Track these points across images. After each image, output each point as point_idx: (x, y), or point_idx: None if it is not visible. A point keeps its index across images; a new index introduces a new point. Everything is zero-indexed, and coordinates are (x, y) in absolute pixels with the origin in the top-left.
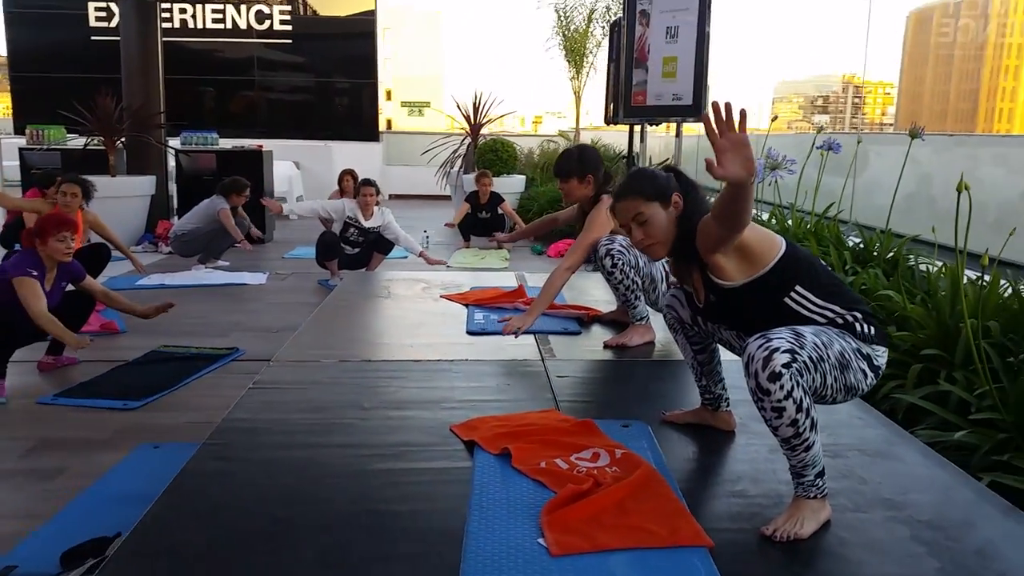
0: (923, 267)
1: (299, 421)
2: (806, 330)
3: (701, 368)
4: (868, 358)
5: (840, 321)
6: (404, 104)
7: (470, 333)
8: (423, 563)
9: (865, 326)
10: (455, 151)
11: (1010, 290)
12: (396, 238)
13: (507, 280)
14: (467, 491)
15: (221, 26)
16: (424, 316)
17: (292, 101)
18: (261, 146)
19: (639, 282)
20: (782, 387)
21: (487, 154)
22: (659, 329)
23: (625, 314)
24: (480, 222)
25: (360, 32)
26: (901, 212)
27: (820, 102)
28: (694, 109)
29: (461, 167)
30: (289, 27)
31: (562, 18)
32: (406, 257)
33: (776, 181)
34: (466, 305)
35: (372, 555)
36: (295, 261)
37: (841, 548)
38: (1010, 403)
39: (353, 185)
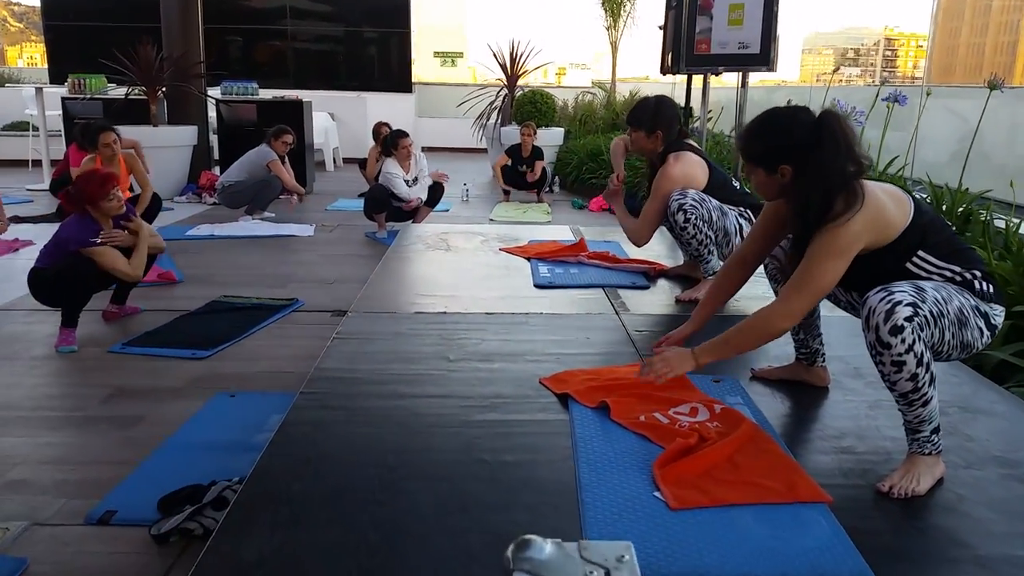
0: (998, 223)
1: (390, 372)
2: (927, 285)
3: (802, 322)
4: (985, 316)
5: (959, 279)
6: (437, 54)
7: (538, 286)
8: (542, 513)
9: (984, 284)
10: (492, 103)
11: None
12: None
13: (562, 233)
14: (569, 444)
15: None
16: (488, 269)
17: (324, 51)
18: (299, 97)
19: (712, 236)
20: (903, 340)
21: (526, 106)
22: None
23: (692, 268)
24: (521, 175)
25: None
26: (958, 168)
27: (851, 54)
28: (762, 58)
29: (498, 119)
30: None
31: None
32: (448, 210)
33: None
34: (527, 258)
35: (491, 503)
36: (339, 213)
37: (961, 505)
38: None
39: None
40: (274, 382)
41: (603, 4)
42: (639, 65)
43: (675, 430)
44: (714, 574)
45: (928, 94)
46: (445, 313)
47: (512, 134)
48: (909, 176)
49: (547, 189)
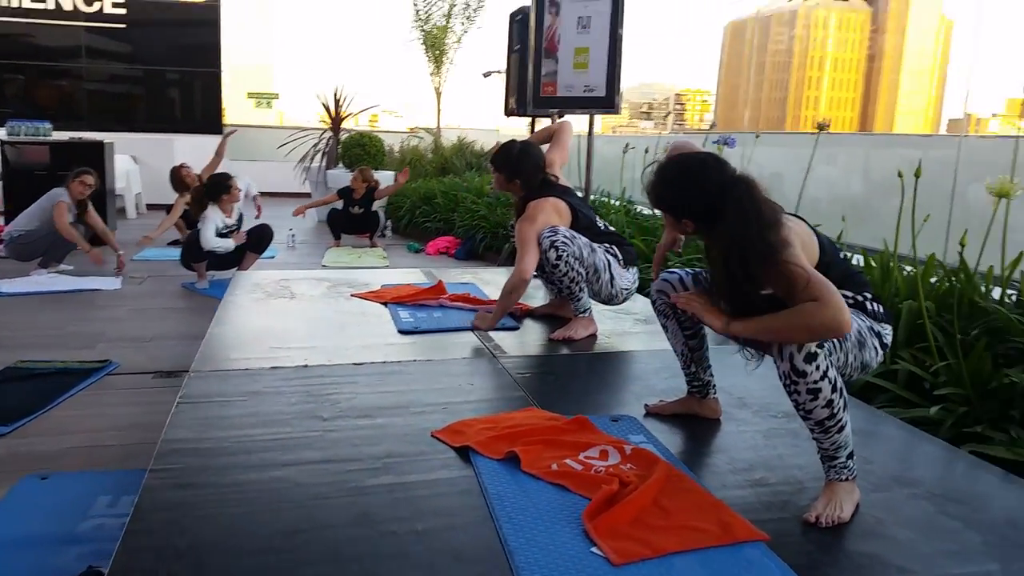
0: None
1: (255, 438)
2: None
3: (691, 354)
4: (879, 335)
5: (851, 302)
6: (251, 95)
7: (402, 332)
8: None
9: (875, 304)
10: (315, 145)
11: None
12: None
13: (413, 277)
14: (482, 502)
15: (43, 5)
16: (343, 316)
17: (123, 91)
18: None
19: (583, 273)
20: (818, 368)
21: (353, 148)
22: (599, 320)
23: (558, 307)
24: (353, 218)
25: (203, 18)
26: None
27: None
28: (607, 100)
29: (323, 162)
30: (123, 10)
31: (421, 13)
32: (274, 257)
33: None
34: (384, 303)
35: None
36: (147, 264)
37: (883, 529)
38: (964, 378)
39: (193, 176)
40: (93, 459)
41: (426, 51)
42: (463, 112)
43: (592, 476)
44: None
45: (757, 136)
46: (307, 367)
47: (340, 177)
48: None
49: (380, 233)
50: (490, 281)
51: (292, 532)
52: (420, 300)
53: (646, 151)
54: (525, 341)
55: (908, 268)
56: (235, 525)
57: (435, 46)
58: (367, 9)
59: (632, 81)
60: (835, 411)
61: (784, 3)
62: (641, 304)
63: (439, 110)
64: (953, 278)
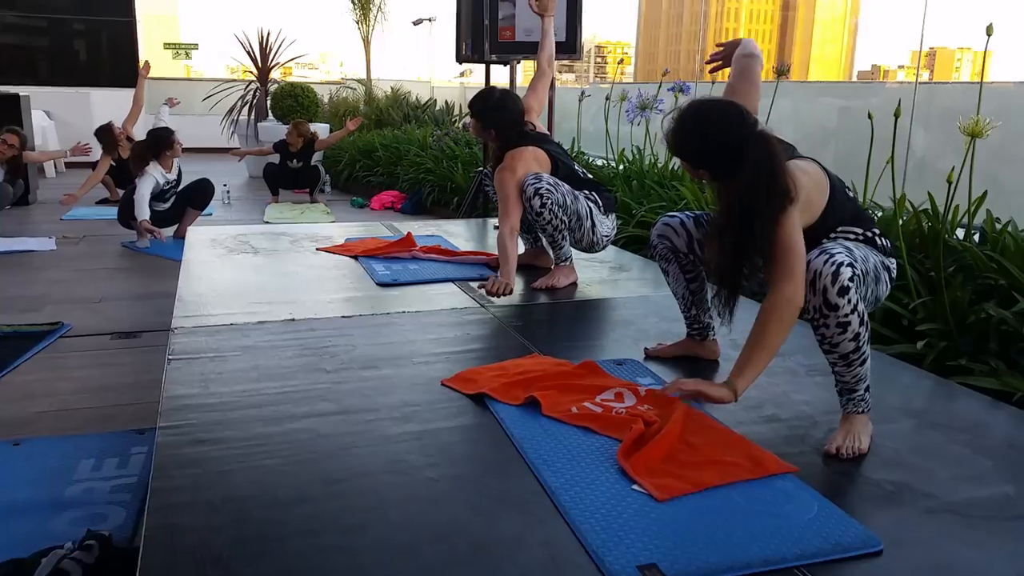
0: None
1: (263, 392)
2: (850, 245)
3: (692, 297)
4: (888, 269)
5: (862, 238)
6: (168, 46)
7: (381, 285)
8: (527, 525)
9: (883, 240)
10: (242, 97)
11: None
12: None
13: (375, 230)
14: (511, 447)
15: None
16: (316, 271)
17: (29, 43)
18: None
19: (567, 221)
20: (849, 301)
21: (285, 100)
22: (579, 268)
23: (535, 256)
24: (291, 173)
25: None
26: None
27: (566, 60)
28: (568, 46)
29: (251, 115)
30: None
31: None
32: (211, 214)
33: (645, 122)
34: (353, 257)
35: (468, 524)
36: (80, 223)
37: (902, 457)
38: (944, 313)
39: (124, 138)
40: (65, 423)
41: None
42: (392, 62)
43: (615, 417)
44: (741, 564)
45: (713, 84)
46: (294, 320)
47: (271, 130)
48: None
49: (320, 189)
50: (454, 232)
51: (330, 481)
52: (391, 253)
53: (582, 96)
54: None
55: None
56: (267, 478)
57: None
58: None
59: None
60: (860, 344)
61: None
62: (613, 253)
63: (368, 60)
64: (924, 218)
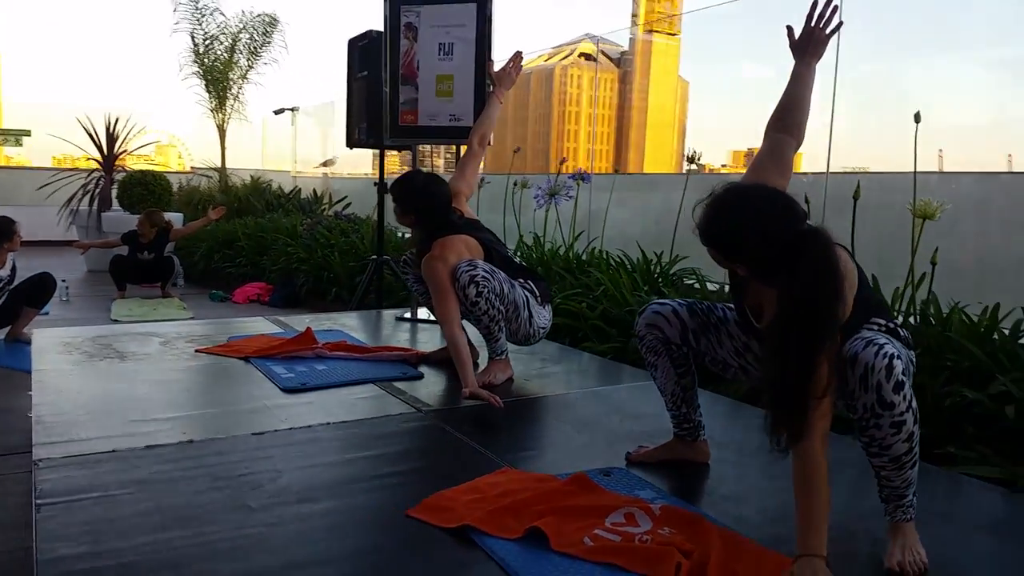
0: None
1: (177, 542)
2: (880, 336)
3: (684, 394)
4: (912, 363)
5: (885, 328)
6: None
7: (287, 391)
8: None
9: (903, 331)
10: (84, 186)
11: None
12: None
13: (258, 326)
14: None
15: None
16: (200, 377)
17: None
18: None
19: (503, 311)
20: (904, 397)
21: (135, 188)
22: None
23: None
24: (142, 265)
25: None
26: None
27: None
28: None
29: (93, 205)
30: None
31: (199, 46)
32: (47, 313)
33: (556, 208)
34: (243, 359)
35: None
36: None
37: (970, 569)
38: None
39: None
40: None
41: (206, 85)
42: (250, 152)
43: (643, 548)
44: None
45: (617, 172)
46: (192, 442)
47: (119, 220)
48: (599, 247)
49: (172, 282)
50: (352, 326)
51: None
52: (290, 352)
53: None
54: (439, 391)
55: None
56: None
57: (217, 81)
58: (112, 21)
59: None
60: (913, 445)
61: (542, 63)
62: (542, 344)
63: (223, 148)
64: None
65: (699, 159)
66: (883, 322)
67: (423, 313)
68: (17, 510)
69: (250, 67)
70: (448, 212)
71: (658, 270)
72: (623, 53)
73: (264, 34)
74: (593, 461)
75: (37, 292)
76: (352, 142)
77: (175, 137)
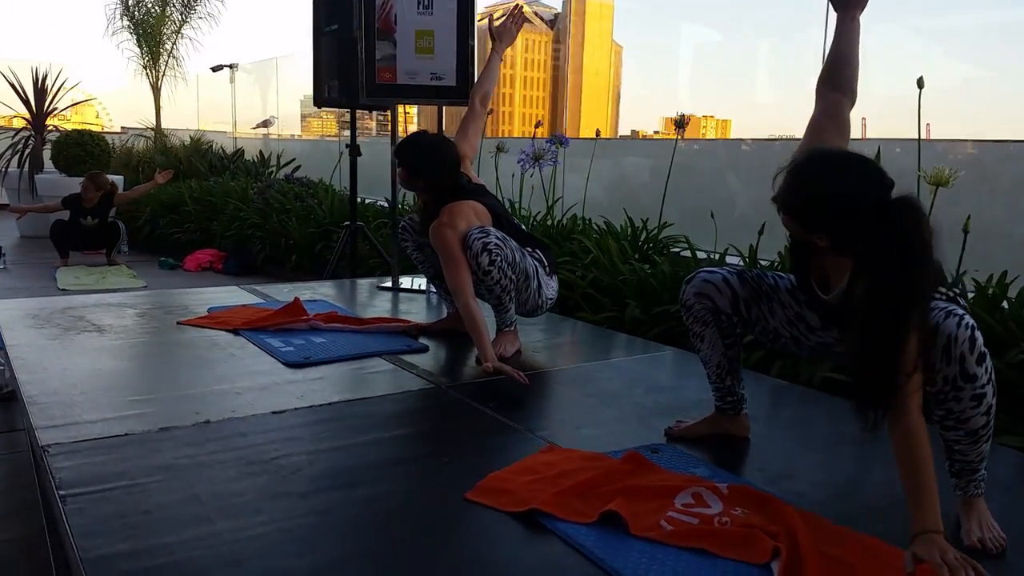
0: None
1: (227, 535)
2: (955, 305)
3: (729, 365)
4: None
5: (947, 297)
6: None
7: (290, 365)
8: None
9: (962, 300)
10: (12, 146)
11: None
12: None
13: (236, 296)
14: None
15: None
16: (193, 352)
17: None
18: None
19: (515, 280)
20: (987, 369)
21: (71, 148)
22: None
23: (457, 320)
24: (85, 231)
25: None
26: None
27: (346, 116)
28: (459, 91)
29: (24, 166)
30: None
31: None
32: None
33: (539, 173)
34: (232, 331)
35: None
36: None
37: None
38: None
39: None
40: None
41: (137, 41)
42: (187, 110)
43: (727, 531)
44: None
45: (596, 139)
46: (209, 423)
47: (55, 183)
48: (581, 214)
49: (118, 249)
50: (331, 295)
51: None
52: (281, 324)
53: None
54: (452, 364)
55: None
56: None
57: (149, 36)
58: None
59: None
60: (991, 418)
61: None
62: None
63: (158, 107)
64: None
65: (686, 122)
66: (944, 291)
67: (406, 282)
68: (9, 494)
69: (184, 21)
70: (458, 176)
71: (644, 236)
72: (556, 15)
73: None
74: (632, 437)
75: None
76: (321, 100)
77: (90, 95)
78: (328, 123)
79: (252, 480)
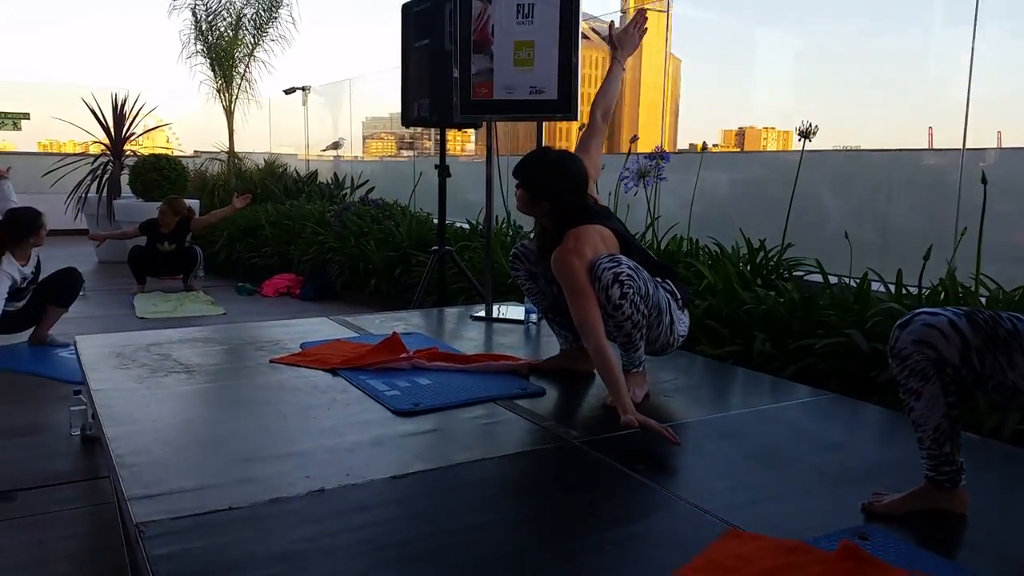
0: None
1: None
2: None
3: (951, 428)
4: None
5: None
6: None
7: (400, 413)
8: None
9: None
10: (92, 172)
11: None
12: None
13: (324, 329)
14: None
15: None
16: (289, 396)
17: None
18: None
19: (647, 314)
20: None
21: (148, 174)
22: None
23: (573, 359)
24: (162, 257)
25: None
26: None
27: (407, 138)
28: (562, 104)
29: (102, 191)
30: None
31: (202, 22)
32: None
33: (653, 188)
34: (330, 371)
35: None
36: None
37: None
38: None
39: None
40: None
41: (211, 64)
42: (256, 134)
43: None
44: None
45: (704, 151)
46: (323, 492)
47: (133, 208)
48: (686, 234)
49: (195, 274)
50: (424, 327)
51: None
52: (382, 363)
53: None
54: (575, 412)
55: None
56: None
57: (222, 60)
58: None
59: (387, 111)
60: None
61: None
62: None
63: (231, 131)
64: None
65: (815, 132)
66: None
67: (500, 311)
68: (76, 565)
69: (257, 44)
70: (584, 196)
71: (761, 258)
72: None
73: (269, 9)
74: (825, 517)
75: (63, 289)
76: (410, 120)
77: (161, 120)
78: (388, 144)
79: (388, 572)
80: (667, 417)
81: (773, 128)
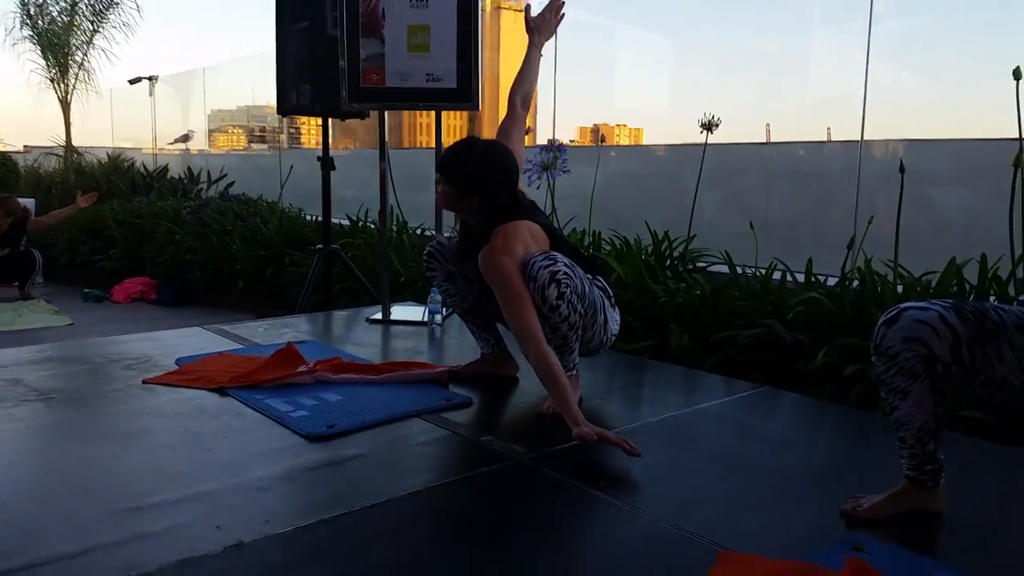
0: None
1: None
2: None
3: (936, 427)
4: None
5: None
6: None
7: (313, 438)
8: None
9: None
10: None
11: None
12: None
13: (199, 342)
14: None
15: None
16: (175, 423)
17: None
18: None
19: (583, 314)
20: None
21: None
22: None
23: (495, 363)
24: None
25: None
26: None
27: (258, 131)
28: (461, 94)
29: None
30: None
31: (30, 5)
32: None
33: (551, 182)
34: (217, 390)
35: None
36: None
37: None
38: None
39: None
40: None
41: (42, 52)
42: (97, 127)
43: None
44: None
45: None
46: (240, 545)
47: None
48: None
49: (32, 281)
50: (314, 332)
51: None
52: (279, 379)
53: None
54: (513, 424)
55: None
56: None
57: (56, 47)
58: None
59: (237, 104)
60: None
61: None
62: None
63: (68, 124)
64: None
65: (717, 125)
66: None
67: (398, 312)
68: None
69: (96, 31)
70: (515, 189)
71: (666, 249)
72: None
73: None
74: (808, 527)
75: None
76: (287, 108)
77: None
78: (238, 137)
79: None
80: (610, 423)
81: (624, 125)
